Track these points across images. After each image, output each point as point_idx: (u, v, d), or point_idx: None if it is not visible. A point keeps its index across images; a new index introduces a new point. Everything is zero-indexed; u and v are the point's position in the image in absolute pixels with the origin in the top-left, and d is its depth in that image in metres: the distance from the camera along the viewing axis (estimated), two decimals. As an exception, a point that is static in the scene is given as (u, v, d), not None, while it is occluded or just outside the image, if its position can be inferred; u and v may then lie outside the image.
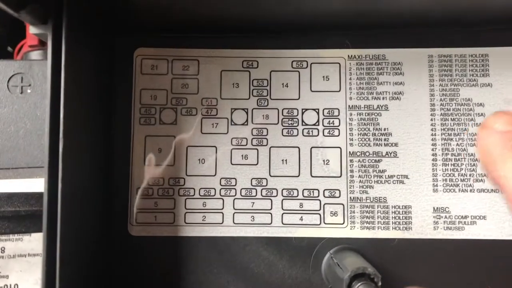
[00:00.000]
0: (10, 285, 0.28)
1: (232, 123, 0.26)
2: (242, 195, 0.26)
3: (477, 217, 0.25)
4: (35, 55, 0.33)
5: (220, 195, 0.26)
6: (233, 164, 0.26)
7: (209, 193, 0.26)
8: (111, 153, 0.26)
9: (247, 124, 0.26)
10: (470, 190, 0.25)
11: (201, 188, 0.26)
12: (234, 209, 0.26)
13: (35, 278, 0.28)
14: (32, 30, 0.22)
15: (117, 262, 0.26)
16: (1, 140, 0.27)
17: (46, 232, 0.21)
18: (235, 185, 0.26)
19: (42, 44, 0.33)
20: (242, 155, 0.26)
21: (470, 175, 0.25)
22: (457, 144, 0.25)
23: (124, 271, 0.26)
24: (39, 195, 0.27)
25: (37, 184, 0.28)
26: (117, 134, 0.26)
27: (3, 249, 0.28)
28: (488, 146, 0.18)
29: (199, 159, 0.26)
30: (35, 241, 0.28)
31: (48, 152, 0.21)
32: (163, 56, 0.27)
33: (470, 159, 0.25)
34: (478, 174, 0.25)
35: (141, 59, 0.27)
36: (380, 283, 0.21)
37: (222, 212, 0.26)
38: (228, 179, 0.26)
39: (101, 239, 0.25)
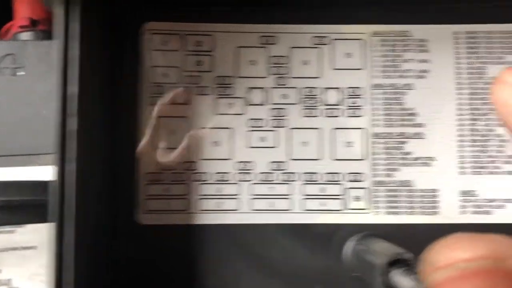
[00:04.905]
0: (3, 280, 0.26)
1: (249, 103, 0.25)
2: (259, 180, 0.24)
3: (506, 200, 0.24)
4: (26, 36, 0.31)
5: (236, 180, 0.24)
6: (250, 147, 0.24)
7: (224, 178, 0.24)
8: (118, 136, 0.24)
9: (264, 104, 0.25)
10: (499, 172, 0.24)
11: (215, 173, 0.24)
12: (251, 195, 0.24)
13: (30, 273, 0.26)
14: None
15: (127, 252, 0.24)
16: (-10, 126, 0.25)
17: (57, 222, 0.19)
18: (252, 169, 0.24)
19: (33, 24, 0.31)
20: (260, 137, 0.24)
21: (498, 156, 0.24)
22: (485, 125, 0.24)
23: (135, 261, 0.24)
24: (33, 184, 0.25)
25: (31, 173, 0.26)
26: (124, 115, 0.24)
27: (-6, 242, 0.26)
28: (505, 98, 0.19)
29: (213, 142, 0.24)
30: (28, 234, 0.26)
31: (60, 136, 0.19)
32: (175, 31, 0.25)
33: (499, 139, 0.24)
34: (507, 155, 0.24)
35: (152, 34, 0.25)
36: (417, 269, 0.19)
37: (238, 198, 0.24)
38: (244, 163, 0.24)
39: (108, 228, 0.24)
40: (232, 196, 0.24)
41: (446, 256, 0.14)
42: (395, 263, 0.19)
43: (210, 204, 0.24)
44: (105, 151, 0.23)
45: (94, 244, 0.22)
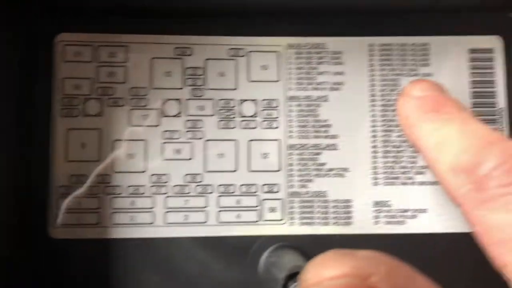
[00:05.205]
0: None
1: (164, 115, 0.24)
2: (174, 193, 0.24)
3: (418, 211, 0.24)
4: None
5: (151, 193, 0.24)
6: (165, 160, 0.24)
7: (138, 191, 0.24)
8: (29, 149, 0.24)
9: (180, 116, 0.24)
10: (411, 183, 0.25)
11: (129, 186, 0.24)
12: (166, 208, 0.24)
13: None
14: None
15: (38, 268, 0.23)
16: None
17: None
18: (167, 182, 0.24)
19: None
20: (175, 149, 0.24)
21: (411, 167, 0.25)
22: (398, 136, 0.25)
23: (47, 276, 0.23)
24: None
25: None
26: (35, 128, 0.24)
27: None
28: (407, 111, 0.21)
29: (127, 154, 0.24)
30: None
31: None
32: (88, 42, 0.24)
33: (411, 151, 0.25)
34: (419, 166, 0.25)
35: (64, 45, 0.24)
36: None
37: (152, 212, 0.24)
38: (159, 176, 0.24)
39: (18, 243, 0.23)
40: (146, 210, 0.24)
41: (314, 274, 0.15)
42: (295, 276, 0.20)
43: (124, 217, 0.24)
44: (14, 166, 0.23)
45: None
